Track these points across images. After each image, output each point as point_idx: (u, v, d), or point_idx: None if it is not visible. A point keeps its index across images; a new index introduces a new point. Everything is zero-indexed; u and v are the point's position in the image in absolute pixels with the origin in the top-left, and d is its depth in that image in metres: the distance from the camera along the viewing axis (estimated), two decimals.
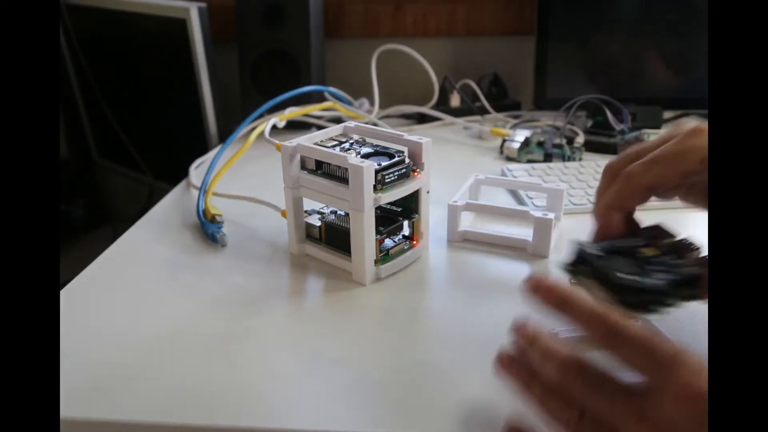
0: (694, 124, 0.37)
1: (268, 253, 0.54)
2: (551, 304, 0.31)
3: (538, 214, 0.52)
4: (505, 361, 0.32)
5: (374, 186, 0.45)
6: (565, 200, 0.60)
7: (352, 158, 0.45)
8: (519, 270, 0.50)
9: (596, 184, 0.41)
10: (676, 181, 0.37)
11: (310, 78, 0.90)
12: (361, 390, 0.36)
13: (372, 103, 0.94)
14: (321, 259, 0.52)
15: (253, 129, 0.72)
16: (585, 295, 0.31)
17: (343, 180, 0.46)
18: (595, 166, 0.71)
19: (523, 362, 0.31)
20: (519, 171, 0.71)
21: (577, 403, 0.29)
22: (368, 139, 0.52)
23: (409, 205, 0.51)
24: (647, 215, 0.38)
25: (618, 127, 0.79)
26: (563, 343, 0.30)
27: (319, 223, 0.52)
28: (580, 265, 0.36)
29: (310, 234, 0.53)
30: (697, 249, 0.37)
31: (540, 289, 0.31)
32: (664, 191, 0.39)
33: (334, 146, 0.50)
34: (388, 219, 0.50)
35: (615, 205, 0.38)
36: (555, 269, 0.50)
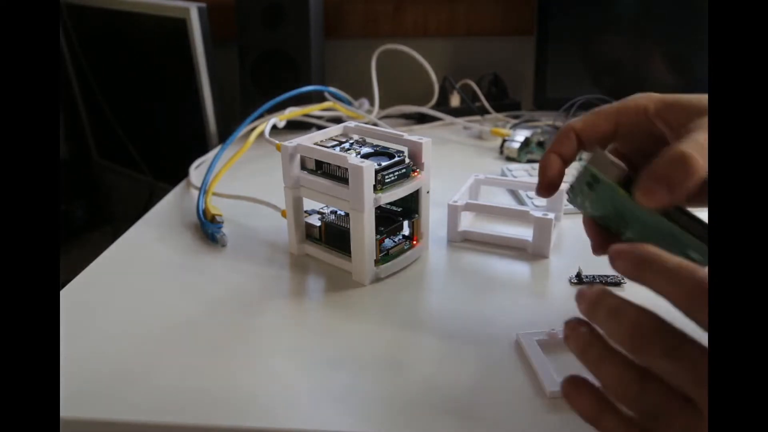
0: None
1: (268, 253, 0.54)
2: (631, 267, 0.28)
3: (538, 214, 0.52)
4: (571, 326, 0.29)
5: (374, 186, 0.45)
6: (564, 200, 0.60)
7: (352, 158, 0.45)
8: (519, 270, 0.50)
9: None
10: (611, 130, 0.38)
11: (310, 78, 0.90)
12: (361, 390, 0.36)
13: (372, 103, 0.94)
14: (321, 259, 0.52)
15: (253, 129, 0.72)
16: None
17: (343, 180, 0.46)
18: None
19: (585, 326, 0.29)
20: (519, 171, 0.71)
21: (640, 369, 0.26)
22: (368, 139, 0.52)
23: (409, 205, 0.51)
24: None
25: None
26: (632, 303, 0.27)
27: (319, 223, 0.52)
28: None
29: (310, 234, 0.53)
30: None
31: (623, 255, 0.28)
32: (602, 141, 0.39)
33: (334, 146, 0.50)
34: (388, 219, 0.50)
35: (552, 149, 0.39)
36: (554, 271, 0.50)
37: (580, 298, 0.29)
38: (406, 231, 0.51)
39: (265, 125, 0.68)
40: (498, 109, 0.97)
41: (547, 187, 0.39)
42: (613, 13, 0.93)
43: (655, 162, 0.31)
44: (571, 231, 0.57)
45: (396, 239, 0.50)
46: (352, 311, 0.45)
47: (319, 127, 0.85)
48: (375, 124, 0.80)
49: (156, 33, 0.90)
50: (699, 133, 0.33)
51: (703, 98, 0.36)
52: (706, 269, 0.26)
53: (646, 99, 0.38)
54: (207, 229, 0.56)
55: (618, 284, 0.47)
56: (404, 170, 0.48)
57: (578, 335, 0.29)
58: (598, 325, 0.28)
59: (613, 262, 0.29)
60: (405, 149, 0.49)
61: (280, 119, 0.74)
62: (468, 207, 0.55)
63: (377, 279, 0.49)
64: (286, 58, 0.90)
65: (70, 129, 1.16)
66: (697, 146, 0.32)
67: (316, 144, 0.50)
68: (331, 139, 0.52)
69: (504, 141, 0.80)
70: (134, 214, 0.78)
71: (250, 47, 0.90)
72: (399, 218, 0.50)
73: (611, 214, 0.35)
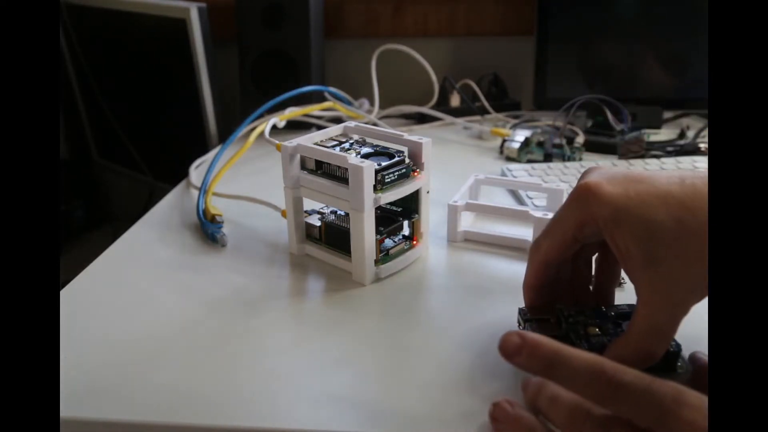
0: (584, 180, 0.36)
1: (268, 253, 0.54)
2: (539, 367, 0.30)
3: (538, 214, 0.52)
4: (499, 413, 0.32)
5: (374, 186, 0.45)
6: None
7: (352, 158, 0.45)
8: (519, 270, 0.50)
9: None
10: (570, 250, 0.37)
11: (310, 78, 0.90)
12: (361, 390, 0.36)
13: (372, 103, 0.94)
14: (321, 259, 0.52)
15: (253, 129, 0.72)
16: (572, 348, 0.29)
17: (343, 180, 0.46)
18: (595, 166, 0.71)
19: (517, 415, 0.31)
20: (519, 171, 0.71)
21: None
22: (368, 139, 0.52)
23: (409, 205, 0.51)
24: None
25: (618, 127, 0.79)
26: (568, 391, 0.30)
27: (319, 223, 0.52)
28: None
29: (310, 234, 0.53)
30: None
31: (523, 351, 0.30)
32: (567, 260, 0.39)
33: (334, 146, 0.50)
34: (388, 219, 0.50)
35: (528, 284, 0.39)
36: None
37: (525, 387, 0.33)
38: (406, 231, 0.51)
39: (265, 125, 0.68)
40: (498, 109, 0.97)
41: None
42: (613, 13, 0.93)
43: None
44: None
45: (396, 239, 0.50)
46: (352, 311, 0.45)
47: (319, 127, 0.85)
48: (375, 124, 0.80)
49: (156, 33, 0.90)
50: (638, 314, 0.33)
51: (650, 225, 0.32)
52: (613, 364, 0.28)
53: (596, 211, 0.34)
54: (207, 229, 0.56)
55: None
56: (404, 170, 0.48)
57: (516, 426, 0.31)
58: (540, 410, 0.31)
59: (513, 358, 0.30)
60: (405, 149, 0.49)
61: (280, 119, 0.74)
62: (468, 207, 0.55)
63: (377, 279, 0.49)
64: (286, 58, 0.90)
65: (70, 129, 1.16)
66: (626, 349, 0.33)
67: (316, 144, 0.50)
68: (331, 139, 0.52)
69: (504, 141, 0.80)
70: (134, 214, 0.78)
71: (250, 47, 0.90)
72: (399, 218, 0.50)
73: None
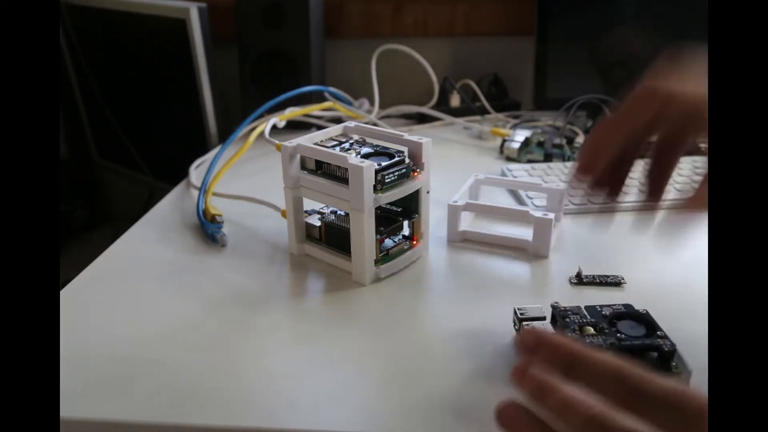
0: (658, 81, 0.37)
1: (268, 253, 0.54)
2: (558, 365, 0.29)
3: (538, 214, 0.52)
4: (509, 414, 0.30)
5: (374, 186, 0.45)
6: (565, 200, 0.60)
7: (352, 158, 0.45)
8: (519, 270, 0.50)
9: None
10: (643, 129, 0.37)
11: (310, 78, 0.90)
12: (361, 390, 0.36)
13: (372, 103, 0.94)
14: (321, 259, 0.52)
15: (253, 129, 0.72)
16: (593, 351, 0.29)
17: (343, 180, 0.46)
18: None
19: (527, 414, 0.30)
20: (519, 171, 0.71)
21: None
22: (368, 139, 0.52)
23: (409, 205, 0.51)
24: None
25: None
26: (581, 393, 0.28)
27: (319, 223, 0.52)
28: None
29: (310, 234, 0.53)
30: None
31: (542, 347, 0.29)
32: (638, 141, 0.39)
33: (334, 146, 0.50)
34: (388, 219, 0.50)
35: (592, 145, 0.38)
36: (554, 271, 0.50)
37: (519, 379, 0.30)
38: (406, 231, 0.51)
39: (265, 125, 0.68)
40: (498, 109, 0.97)
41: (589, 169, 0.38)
42: (613, 13, 0.93)
43: None
44: (571, 231, 0.57)
45: (396, 239, 0.50)
46: (352, 311, 0.45)
47: (319, 127, 0.85)
48: (375, 124, 0.80)
49: (156, 33, 0.90)
50: None
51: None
52: (635, 370, 0.27)
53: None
54: (207, 229, 0.56)
55: (618, 284, 0.47)
56: (404, 170, 0.48)
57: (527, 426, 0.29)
58: (552, 412, 0.29)
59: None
60: (405, 149, 0.49)
61: (280, 119, 0.74)
62: (468, 207, 0.55)
63: (377, 279, 0.49)
64: (286, 58, 0.90)
65: (70, 129, 1.16)
66: None
67: (316, 144, 0.50)
68: (331, 139, 0.52)
69: (504, 141, 0.80)
70: (134, 214, 0.78)
71: (250, 47, 0.90)
72: (399, 218, 0.50)
73: None
